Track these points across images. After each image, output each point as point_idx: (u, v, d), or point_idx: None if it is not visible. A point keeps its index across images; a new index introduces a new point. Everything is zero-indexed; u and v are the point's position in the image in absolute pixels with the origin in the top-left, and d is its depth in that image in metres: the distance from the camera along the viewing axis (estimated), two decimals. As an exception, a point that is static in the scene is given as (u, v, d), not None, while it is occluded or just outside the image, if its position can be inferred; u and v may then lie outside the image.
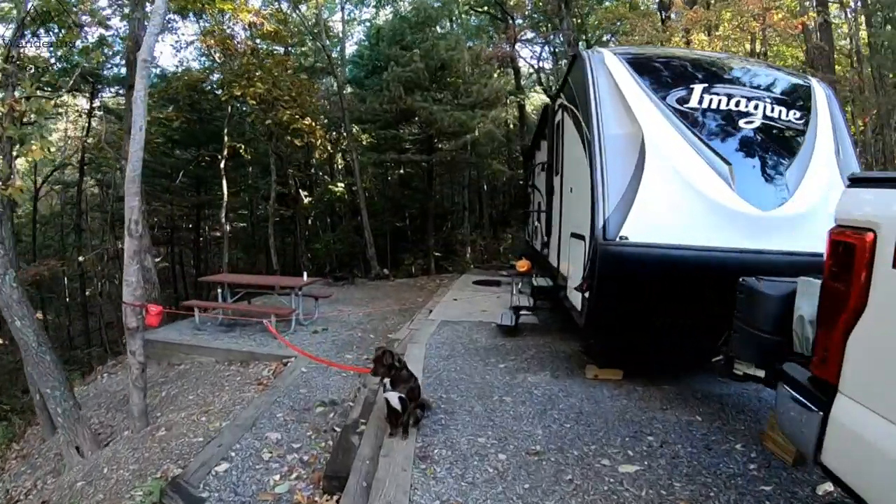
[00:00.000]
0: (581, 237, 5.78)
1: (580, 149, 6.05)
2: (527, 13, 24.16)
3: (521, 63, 28.04)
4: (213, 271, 32.16)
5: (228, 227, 30.55)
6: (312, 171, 29.35)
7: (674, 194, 5.28)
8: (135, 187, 6.65)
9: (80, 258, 21.47)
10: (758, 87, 6.31)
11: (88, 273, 28.21)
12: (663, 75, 6.20)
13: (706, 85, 6.04)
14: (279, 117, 14.45)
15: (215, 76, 16.65)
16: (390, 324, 10.67)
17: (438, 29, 20.82)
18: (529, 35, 27.58)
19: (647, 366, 6.51)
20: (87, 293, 26.08)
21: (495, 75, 20.17)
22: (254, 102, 13.98)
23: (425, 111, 16.87)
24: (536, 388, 6.05)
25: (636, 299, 5.35)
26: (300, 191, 27.08)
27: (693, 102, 5.88)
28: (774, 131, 5.99)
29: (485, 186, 28.82)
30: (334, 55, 25.28)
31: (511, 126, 28.20)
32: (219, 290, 11.22)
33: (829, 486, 3.85)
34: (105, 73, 20.67)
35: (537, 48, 30.49)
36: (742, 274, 4.31)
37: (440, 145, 19.83)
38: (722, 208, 5.26)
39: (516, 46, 24.82)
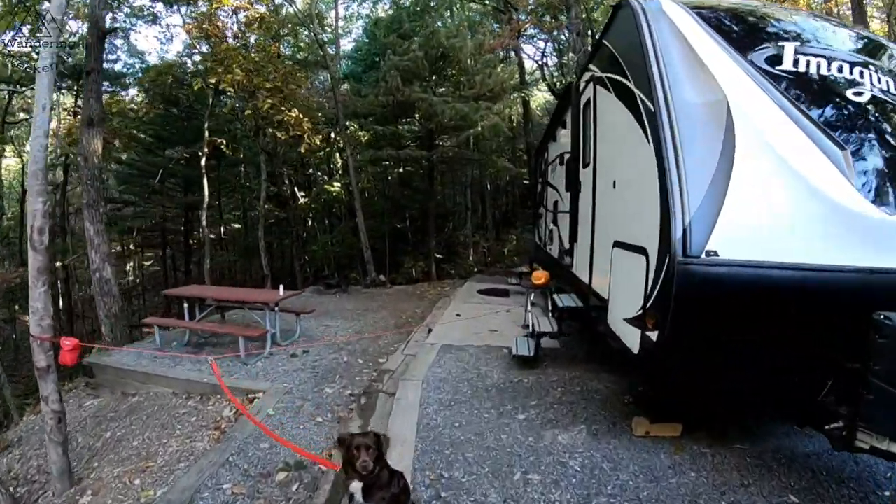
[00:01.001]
0: (637, 249, 4.07)
1: (631, 128, 4.34)
2: (529, 7, 22.38)
3: (524, 59, 26.42)
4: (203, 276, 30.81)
5: (221, 229, 29.14)
6: (311, 170, 27.76)
7: (776, 190, 3.59)
8: (38, 184, 4.91)
9: (58, 263, 19.71)
10: (857, 52, 4.62)
11: (80, 278, 27.03)
12: (742, 29, 4.51)
13: (798, 44, 4.34)
14: (260, 107, 12.75)
15: (191, 63, 14.86)
16: (383, 344, 8.98)
17: (439, 24, 19.15)
18: (532, 31, 26.14)
19: (712, 415, 4.85)
20: (71, 298, 24.53)
21: (499, 69, 18.31)
22: (231, 91, 12.29)
23: (425, 103, 15.14)
24: (572, 455, 4.35)
25: (723, 337, 3.64)
26: (296, 191, 25.49)
27: (787, 64, 4.19)
28: (889, 107, 4.29)
29: (488, 186, 27.09)
30: (332, 52, 23.84)
31: (515, 123, 26.54)
32: (185, 305, 9.53)
33: None
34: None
35: (541, 44, 29.17)
36: (872, 304, 3.18)
37: (441, 141, 18.07)
38: (841, 210, 3.57)
39: (519, 42, 23.09)
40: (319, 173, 28.03)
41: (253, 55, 12.29)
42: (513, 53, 24.35)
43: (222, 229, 29.69)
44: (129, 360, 8.58)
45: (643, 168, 3.95)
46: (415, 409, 5.20)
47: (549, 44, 28.69)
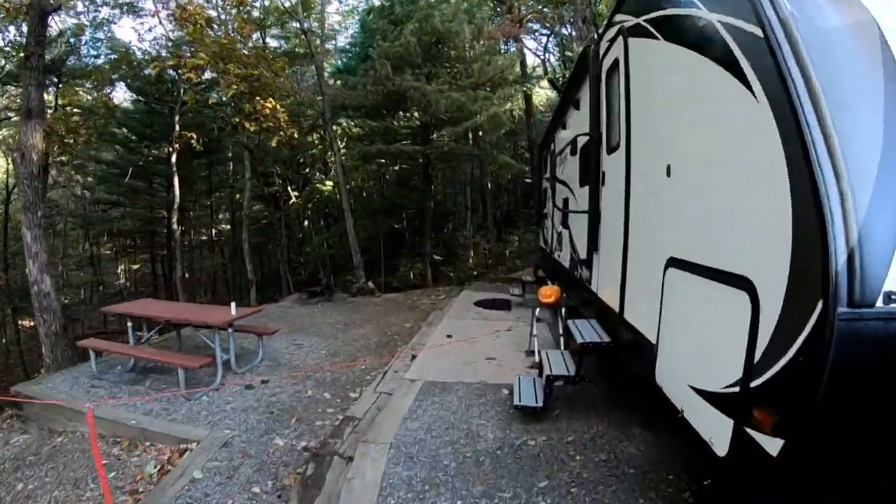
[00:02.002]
0: (724, 278, 2.39)
1: (710, 81, 2.66)
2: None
3: (525, 54, 24.70)
4: (196, 278, 29.17)
5: (213, 231, 27.55)
6: (307, 169, 26.14)
7: None
8: None
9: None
10: None
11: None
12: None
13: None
14: (224, 93, 11.10)
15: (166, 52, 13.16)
16: (359, 372, 7.33)
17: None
18: (533, 26, 24.54)
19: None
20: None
21: (499, 58, 16.52)
22: (192, 76, 10.64)
23: (417, 93, 13.43)
24: None
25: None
26: (289, 190, 23.89)
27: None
28: None
29: (489, 184, 25.34)
30: (320, 43, 22.20)
31: (516, 118, 24.85)
32: (129, 325, 7.91)
33: None
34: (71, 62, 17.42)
35: (543, 38, 27.61)
36: None
37: (437, 135, 16.34)
38: None
39: (522, 29, 21.34)
40: (316, 172, 26.41)
41: (221, 37, 10.59)
42: (514, 47, 22.68)
43: (213, 231, 28.21)
44: (62, 388, 7.12)
45: (745, 141, 2.27)
46: (371, 499, 3.53)
47: (550, 38, 27.31)
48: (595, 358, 4.97)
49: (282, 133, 11.48)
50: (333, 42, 26.45)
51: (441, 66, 15.24)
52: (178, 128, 12.77)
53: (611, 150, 4.66)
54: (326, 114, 14.32)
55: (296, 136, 12.17)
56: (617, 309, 4.21)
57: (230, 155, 21.99)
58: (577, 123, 6.72)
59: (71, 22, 14.83)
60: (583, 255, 5.85)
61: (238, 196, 25.06)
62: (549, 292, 6.41)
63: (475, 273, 21.52)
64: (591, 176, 5.12)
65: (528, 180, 27.14)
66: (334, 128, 20.64)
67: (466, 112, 13.75)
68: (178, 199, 13.20)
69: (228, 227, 26.49)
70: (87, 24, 14.62)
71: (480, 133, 15.70)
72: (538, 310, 6.64)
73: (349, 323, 10.40)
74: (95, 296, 28.08)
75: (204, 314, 7.10)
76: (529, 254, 22.23)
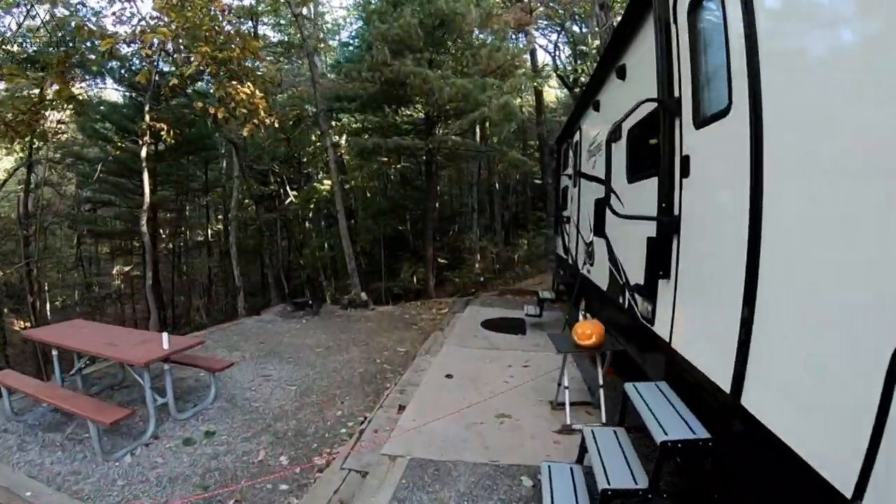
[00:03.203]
0: None
1: None
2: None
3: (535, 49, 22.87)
4: (193, 280, 27.44)
5: (209, 232, 25.82)
6: (310, 168, 24.36)
7: None
8: None
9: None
10: None
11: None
12: None
13: None
14: (182, 73, 9.34)
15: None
16: (330, 422, 5.58)
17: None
18: (543, 23, 22.78)
19: None
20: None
21: (510, 47, 14.62)
22: (148, 52, 8.87)
23: (418, 78, 11.61)
24: None
25: None
26: (287, 189, 22.15)
27: None
28: None
29: (496, 185, 23.51)
30: (332, 43, 20.59)
31: (526, 115, 23.05)
32: (53, 353, 6.20)
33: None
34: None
35: (553, 36, 25.87)
36: None
37: (440, 129, 14.50)
38: None
39: (532, 18, 19.49)
40: (320, 171, 24.64)
41: (187, 11, 8.80)
42: (524, 40, 20.86)
43: (209, 231, 26.49)
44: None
45: None
46: None
47: (561, 34, 25.62)
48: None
49: (256, 122, 9.67)
50: (337, 38, 24.81)
51: (445, 53, 13.44)
52: (147, 119, 10.97)
53: (703, 121, 2.87)
54: (319, 104, 12.52)
55: (276, 125, 10.41)
56: (726, 386, 2.42)
57: (223, 151, 20.24)
58: (622, 97, 4.96)
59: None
60: (635, 277, 4.08)
61: (225, 198, 23.55)
62: (588, 330, 4.59)
63: (482, 279, 19.79)
64: (664, 163, 3.32)
65: (537, 181, 25.38)
66: (333, 123, 18.96)
67: (473, 102, 11.92)
68: (147, 200, 11.40)
69: (221, 227, 24.72)
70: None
71: (489, 126, 13.80)
72: (569, 355, 4.83)
73: (333, 345, 8.63)
74: (86, 298, 26.53)
75: (127, 346, 5.33)
76: (539, 258, 20.45)
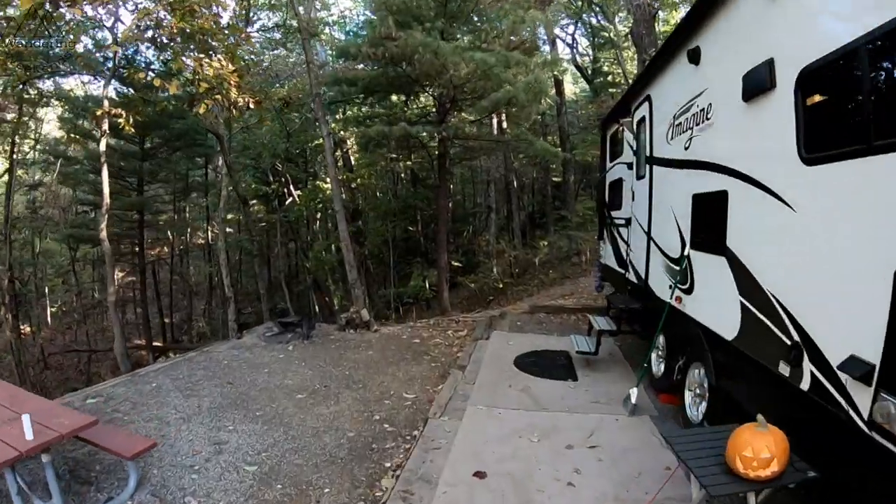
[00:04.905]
0: None
1: None
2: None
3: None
4: (193, 286, 25.50)
5: (209, 234, 23.84)
6: (316, 167, 22.38)
7: None
8: None
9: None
10: None
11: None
12: None
13: None
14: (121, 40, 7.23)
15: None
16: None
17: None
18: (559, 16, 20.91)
19: None
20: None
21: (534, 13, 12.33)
22: (79, 13, 6.79)
23: (428, 51, 9.39)
24: None
25: None
26: (290, 189, 20.16)
27: None
28: None
29: (514, 182, 21.30)
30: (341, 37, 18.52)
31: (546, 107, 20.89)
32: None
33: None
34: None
35: (570, 28, 24.13)
36: None
37: (455, 117, 12.28)
38: None
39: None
40: (325, 170, 22.61)
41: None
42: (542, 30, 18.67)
43: (209, 234, 24.58)
44: None
45: None
46: None
47: (577, 26, 23.73)
48: None
49: (222, 99, 7.52)
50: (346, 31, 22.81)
51: (460, 25, 11.23)
52: (105, 104, 8.89)
53: None
54: (312, 88, 10.40)
55: (251, 106, 8.29)
56: None
57: (218, 148, 18.22)
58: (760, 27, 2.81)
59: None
60: (847, 341, 1.91)
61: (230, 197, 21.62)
62: (765, 449, 2.41)
63: (500, 286, 17.72)
64: None
65: (556, 179, 23.25)
66: (338, 116, 16.92)
67: (495, 80, 9.71)
68: (106, 200, 9.32)
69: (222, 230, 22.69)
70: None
71: (514, 110, 11.55)
72: (707, 488, 2.63)
73: (320, 388, 6.48)
74: (81, 305, 24.78)
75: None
76: (561, 261, 18.36)
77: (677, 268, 4.40)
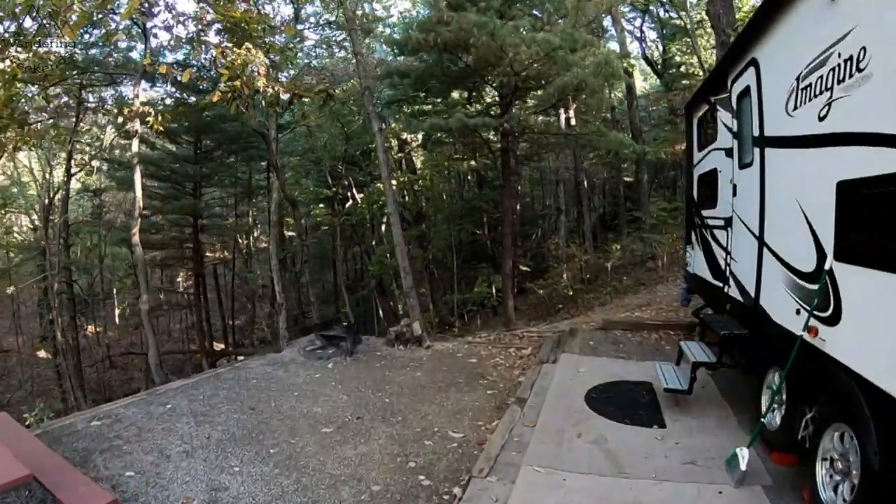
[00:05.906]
0: None
1: None
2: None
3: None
4: (255, 290, 25.42)
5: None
6: (377, 169, 21.87)
7: None
8: None
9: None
10: None
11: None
12: None
13: None
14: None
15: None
16: None
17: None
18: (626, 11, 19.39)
19: None
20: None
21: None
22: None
23: (484, 33, 8.29)
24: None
25: None
26: (353, 192, 19.66)
27: None
28: None
29: (584, 182, 19.85)
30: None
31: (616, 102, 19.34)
32: None
33: None
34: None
35: (637, 21, 22.50)
36: None
37: (518, 108, 11.09)
38: None
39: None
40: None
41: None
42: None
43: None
44: None
45: None
46: None
47: (644, 17, 22.05)
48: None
49: (244, 92, 6.67)
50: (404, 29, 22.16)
51: (519, 5, 10.04)
52: (136, 103, 8.38)
53: None
54: (362, 80, 9.55)
55: (282, 96, 7.49)
56: None
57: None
58: None
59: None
60: None
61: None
62: None
63: (570, 293, 16.37)
64: None
65: (628, 178, 21.68)
66: (396, 116, 16.15)
67: (562, 63, 8.49)
68: (139, 203, 8.86)
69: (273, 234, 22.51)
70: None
71: (584, 96, 10.23)
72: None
73: (351, 419, 5.53)
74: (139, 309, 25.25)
75: None
76: (635, 267, 16.82)
77: (811, 286, 3.13)
